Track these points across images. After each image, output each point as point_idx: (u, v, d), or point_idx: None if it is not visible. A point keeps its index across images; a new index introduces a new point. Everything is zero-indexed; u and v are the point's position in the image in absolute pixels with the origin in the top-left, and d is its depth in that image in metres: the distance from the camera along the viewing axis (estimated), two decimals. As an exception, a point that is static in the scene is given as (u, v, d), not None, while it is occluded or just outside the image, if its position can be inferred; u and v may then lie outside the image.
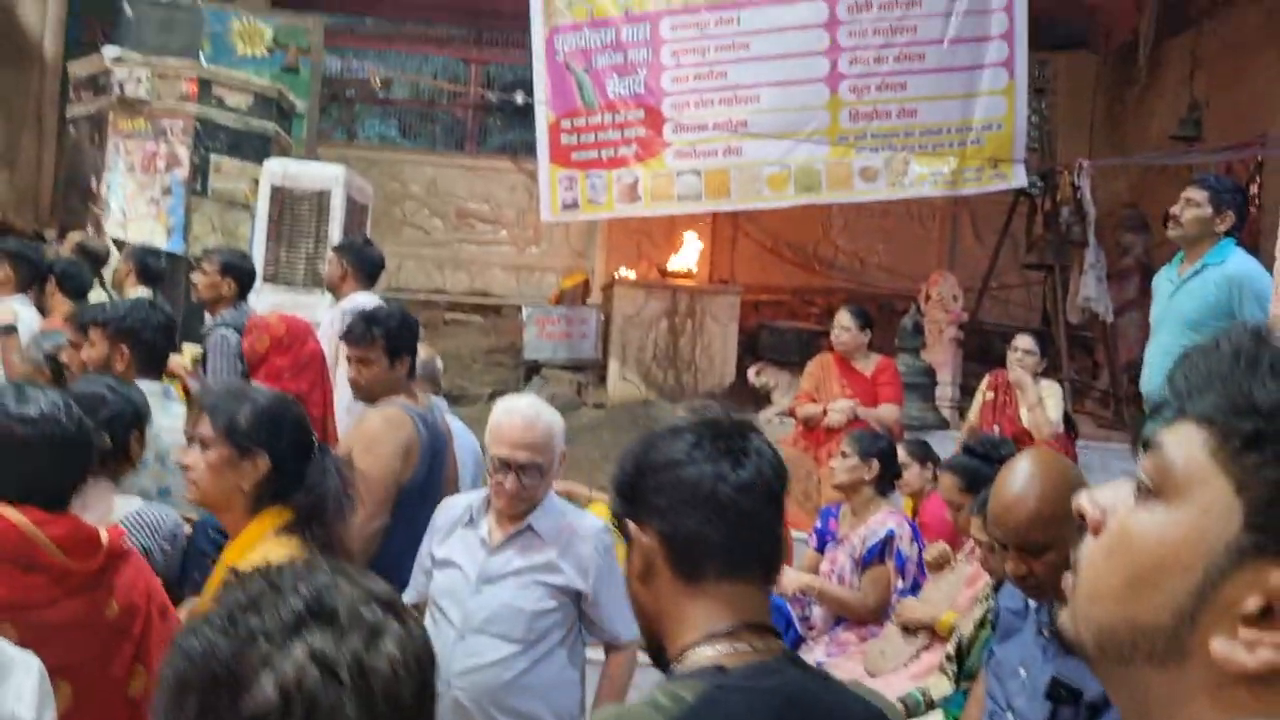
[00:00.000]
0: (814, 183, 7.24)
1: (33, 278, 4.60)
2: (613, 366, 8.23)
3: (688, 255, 9.21)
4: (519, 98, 10.47)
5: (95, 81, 6.89)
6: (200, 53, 7.18)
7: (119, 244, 6.05)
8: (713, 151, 7.39)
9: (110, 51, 6.77)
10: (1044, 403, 4.92)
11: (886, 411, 5.27)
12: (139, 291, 5.03)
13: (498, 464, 2.50)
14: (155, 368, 3.20)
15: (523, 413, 2.55)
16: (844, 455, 3.73)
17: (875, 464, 3.70)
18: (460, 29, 11.68)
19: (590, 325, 8.61)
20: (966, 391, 7.30)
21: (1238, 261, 3.87)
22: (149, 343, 3.12)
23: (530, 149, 8.34)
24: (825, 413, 5.26)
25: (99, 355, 3.09)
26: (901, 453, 4.18)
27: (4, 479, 1.72)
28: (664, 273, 9.04)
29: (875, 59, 7.05)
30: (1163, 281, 4.15)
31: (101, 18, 9.17)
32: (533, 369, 8.64)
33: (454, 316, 10.25)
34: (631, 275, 8.97)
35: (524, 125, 9.87)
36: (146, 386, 2.84)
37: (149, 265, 5.16)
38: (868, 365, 5.45)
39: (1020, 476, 1.87)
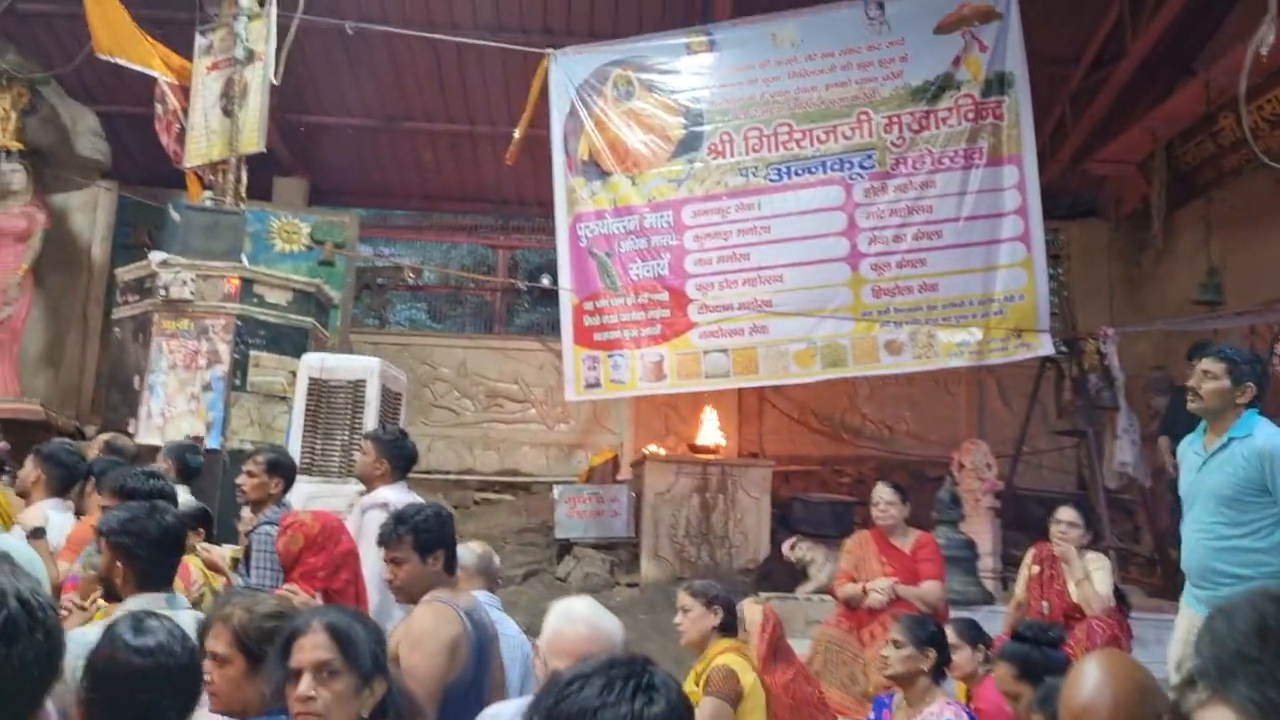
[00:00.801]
0: (840, 358, 7.35)
1: (68, 480, 4.50)
2: (645, 544, 8.16)
3: (715, 429, 9.26)
4: (545, 281, 10.78)
5: (141, 284, 7.16)
6: (242, 253, 7.47)
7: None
8: (739, 330, 7.54)
9: (156, 256, 7.06)
10: (1092, 576, 4.82)
11: (929, 589, 5.18)
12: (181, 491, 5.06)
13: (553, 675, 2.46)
14: (158, 580, 2.94)
15: (586, 620, 2.49)
16: (896, 644, 3.64)
17: (931, 652, 3.62)
18: (487, 218, 12.16)
19: (621, 503, 8.59)
20: (1008, 561, 7.18)
21: (1265, 434, 3.82)
22: (144, 558, 2.88)
23: (557, 328, 8.54)
24: (866, 592, 5.18)
25: (104, 565, 2.96)
26: (951, 634, 4.09)
27: (121, 710, 1.73)
28: (693, 448, 9.07)
29: (894, 237, 7.27)
30: (1189, 453, 4.09)
31: (149, 224, 9.64)
32: (565, 548, 8.58)
33: (484, 496, 10.26)
34: (661, 451, 8.99)
35: (550, 306, 10.15)
36: (147, 600, 2.73)
37: (188, 461, 5.20)
38: (907, 541, 5.38)
39: (1091, 682, 1.83)
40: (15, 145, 8.20)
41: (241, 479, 4.37)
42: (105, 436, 5.92)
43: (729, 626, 3.87)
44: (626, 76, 7.92)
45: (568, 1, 9.54)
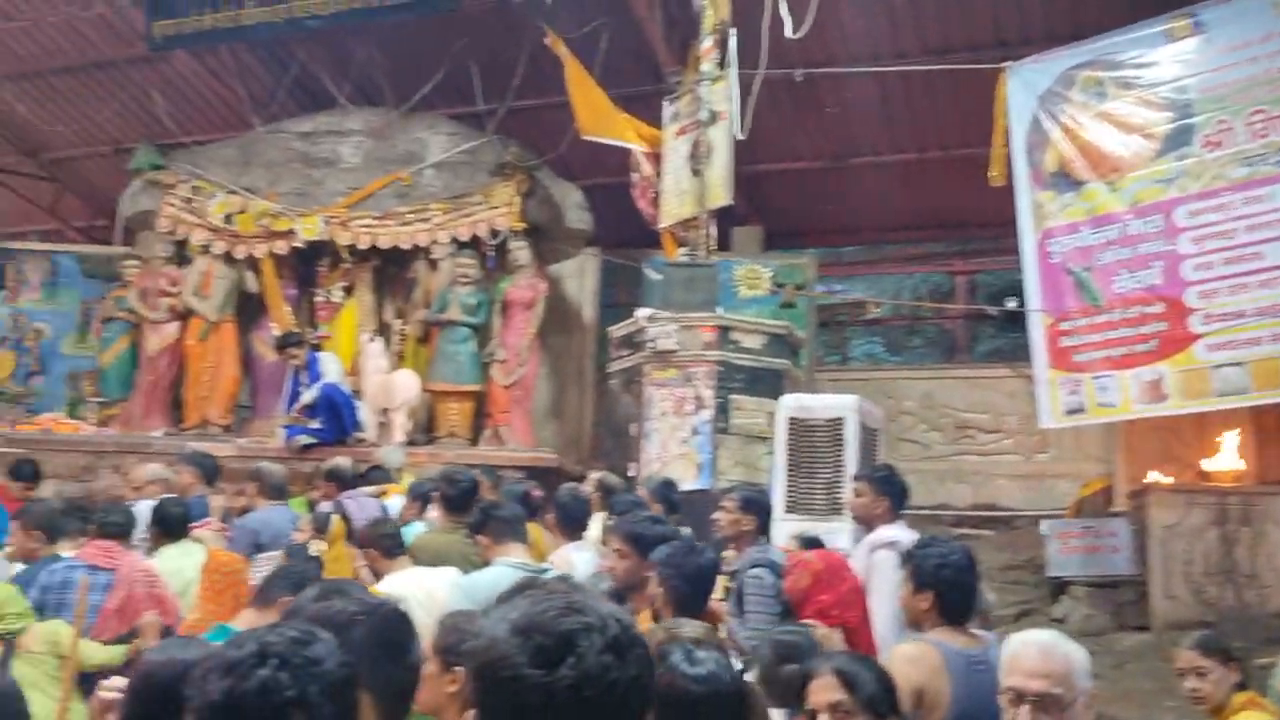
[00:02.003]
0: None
1: (574, 523, 5.02)
2: (1155, 584, 7.39)
3: (1229, 454, 8.20)
4: (1011, 304, 10.27)
5: (631, 340, 7.78)
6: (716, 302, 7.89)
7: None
8: (1255, 339, 6.65)
9: (643, 312, 7.65)
10: None
11: None
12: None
13: (1011, 696, 2.32)
14: (692, 609, 3.26)
15: (1039, 641, 2.38)
16: None
17: None
18: (940, 244, 11.88)
19: (1121, 538, 7.87)
20: None
21: None
22: (682, 589, 3.28)
23: (1026, 353, 8.07)
24: None
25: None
26: None
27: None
28: (1204, 475, 8.10)
29: None
30: None
31: (627, 283, 10.52)
32: (1058, 587, 8.02)
33: (961, 532, 9.88)
34: (1166, 480, 8.13)
35: (1018, 329, 9.62)
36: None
37: (669, 497, 5.58)
38: None
39: None
40: (519, 225, 9.31)
41: (717, 515, 4.54)
42: (596, 475, 6.48)
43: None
44: (1096, 77, 7.36)
45: (1020, 11, 9.10)
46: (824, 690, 2.16)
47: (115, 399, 9.71)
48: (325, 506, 5.37)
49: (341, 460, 6.28)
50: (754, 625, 4.08)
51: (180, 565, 4.93)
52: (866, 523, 4.67)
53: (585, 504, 5.26)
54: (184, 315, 9.48)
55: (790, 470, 6.76)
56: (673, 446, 7.28)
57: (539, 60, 9.45)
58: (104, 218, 12.51)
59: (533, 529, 4.90)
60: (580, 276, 10.36)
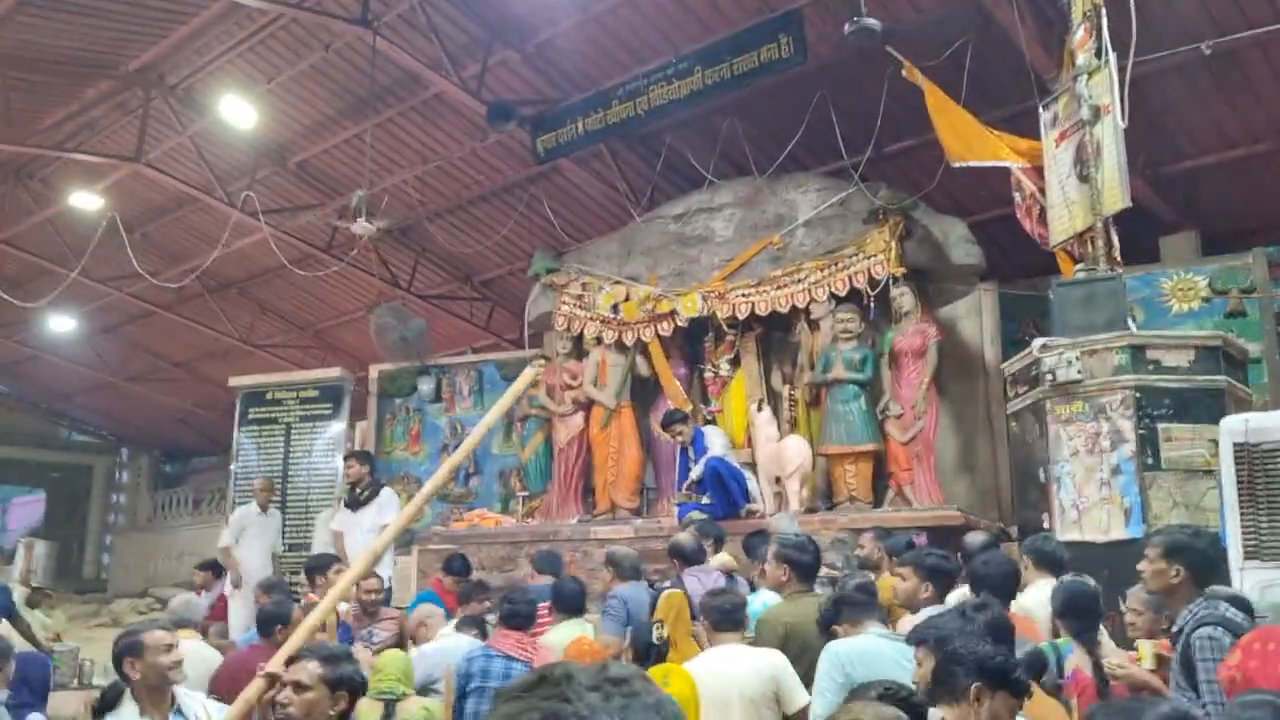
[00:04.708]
0: None
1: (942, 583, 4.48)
2: None
3: None
4: None
5: (1027, 374, 6.90)
6: (1129, 320, 6.79)
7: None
8: None
9: (1036, 342, 6.75)
10: None
11: None
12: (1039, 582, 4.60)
13: None
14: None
15: None
16: None
17: None
18: None
19: None
20: None
21: None
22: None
23: None
24: None
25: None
26: None
27: None
28: None
29: None
30: None
31: (1033, 315, 9.49)
32: None
33: None
34: None
35: None
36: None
37: (1051, 554, 4.81)
38: None
39: None
40: (898, 270, 8.73)
41: (1140, 566, 3.70)
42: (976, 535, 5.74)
43: None
44: None
45: None
46: None
47: (538, 492, 10.32)
48: (665, 584, 5.19)
49: (683, 536, 6.06)
50: (1212, 699, 3.25)
51: (563, 639, 5.07)
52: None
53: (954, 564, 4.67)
54: (586, 406, 9.90)
55: (1245, 507, 5.51)
56: (1090, 491, 6.25)
57: (901, 97, 8.93)
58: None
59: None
60: (977, 315, 9.49)
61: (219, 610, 9.05)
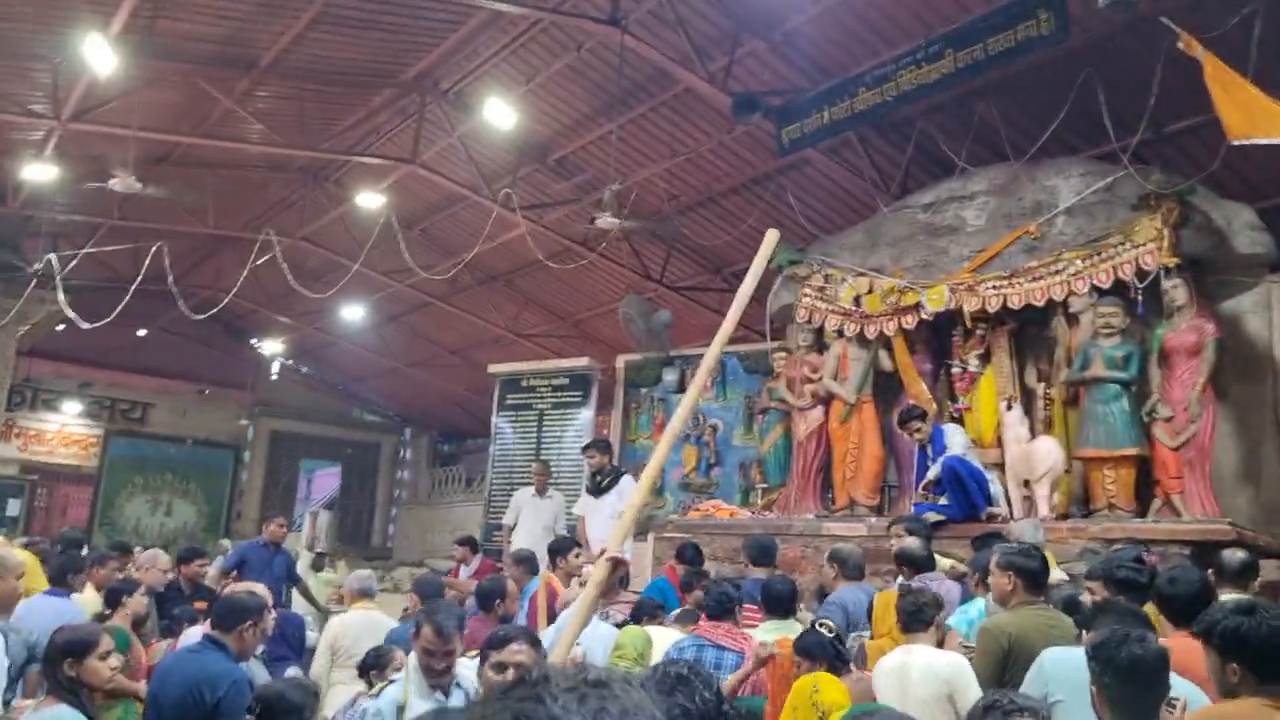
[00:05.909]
0: None
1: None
2: None
3: None
4: None
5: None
6: None
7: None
8: None
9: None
10: None
11: None
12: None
13: None
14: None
15: None
16: None
17: None
18: None
19: None
20: None
21: None
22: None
23: None
24: None
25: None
26: None
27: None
28: None
29: None
30: None
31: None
32: None
33: None
34: None
35: None
36: None
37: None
38: None
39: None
40: (1171, 261, 7.98)
41: None
42: None
43: None
44: None
45: None
46: None
47: (777, 485, 10.25)
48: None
49: (911, 542, 5.79)
50: None
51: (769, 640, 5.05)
52: None
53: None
54: (826, 400, 9.73)
55: None
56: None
57: (1182, 71, 8.14)
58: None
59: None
60: (1265, 310, 8.51)
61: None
